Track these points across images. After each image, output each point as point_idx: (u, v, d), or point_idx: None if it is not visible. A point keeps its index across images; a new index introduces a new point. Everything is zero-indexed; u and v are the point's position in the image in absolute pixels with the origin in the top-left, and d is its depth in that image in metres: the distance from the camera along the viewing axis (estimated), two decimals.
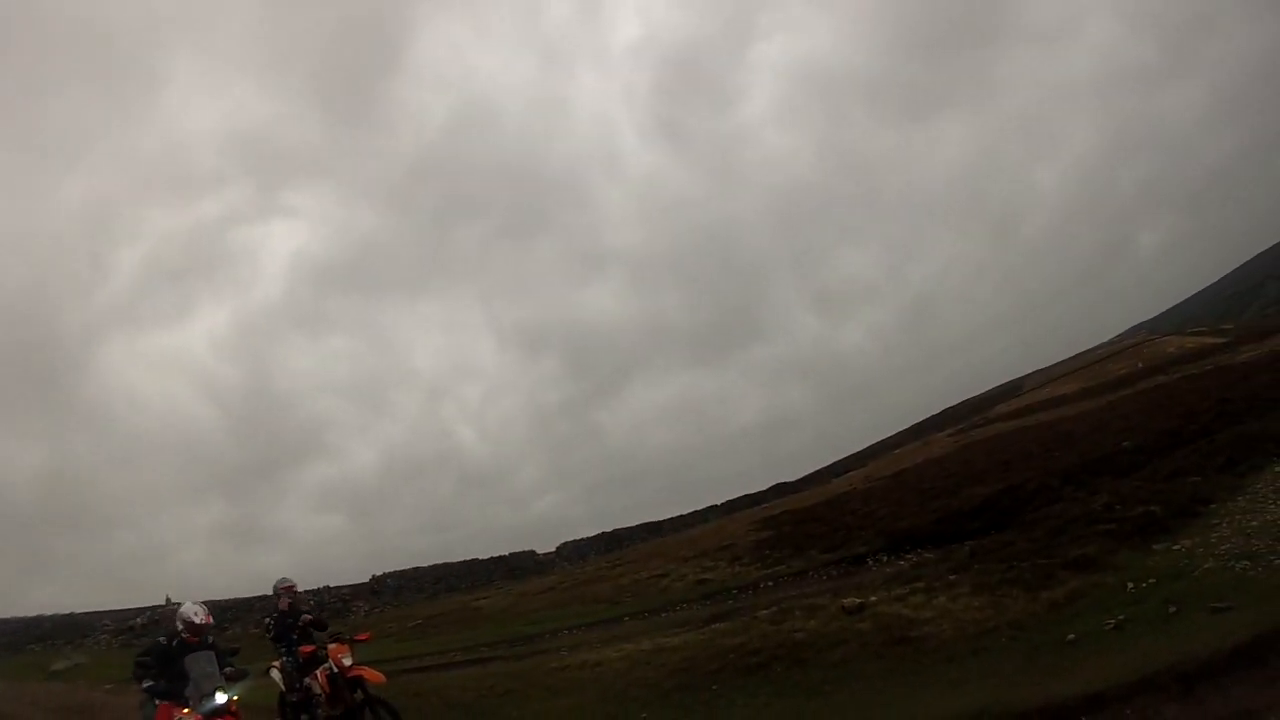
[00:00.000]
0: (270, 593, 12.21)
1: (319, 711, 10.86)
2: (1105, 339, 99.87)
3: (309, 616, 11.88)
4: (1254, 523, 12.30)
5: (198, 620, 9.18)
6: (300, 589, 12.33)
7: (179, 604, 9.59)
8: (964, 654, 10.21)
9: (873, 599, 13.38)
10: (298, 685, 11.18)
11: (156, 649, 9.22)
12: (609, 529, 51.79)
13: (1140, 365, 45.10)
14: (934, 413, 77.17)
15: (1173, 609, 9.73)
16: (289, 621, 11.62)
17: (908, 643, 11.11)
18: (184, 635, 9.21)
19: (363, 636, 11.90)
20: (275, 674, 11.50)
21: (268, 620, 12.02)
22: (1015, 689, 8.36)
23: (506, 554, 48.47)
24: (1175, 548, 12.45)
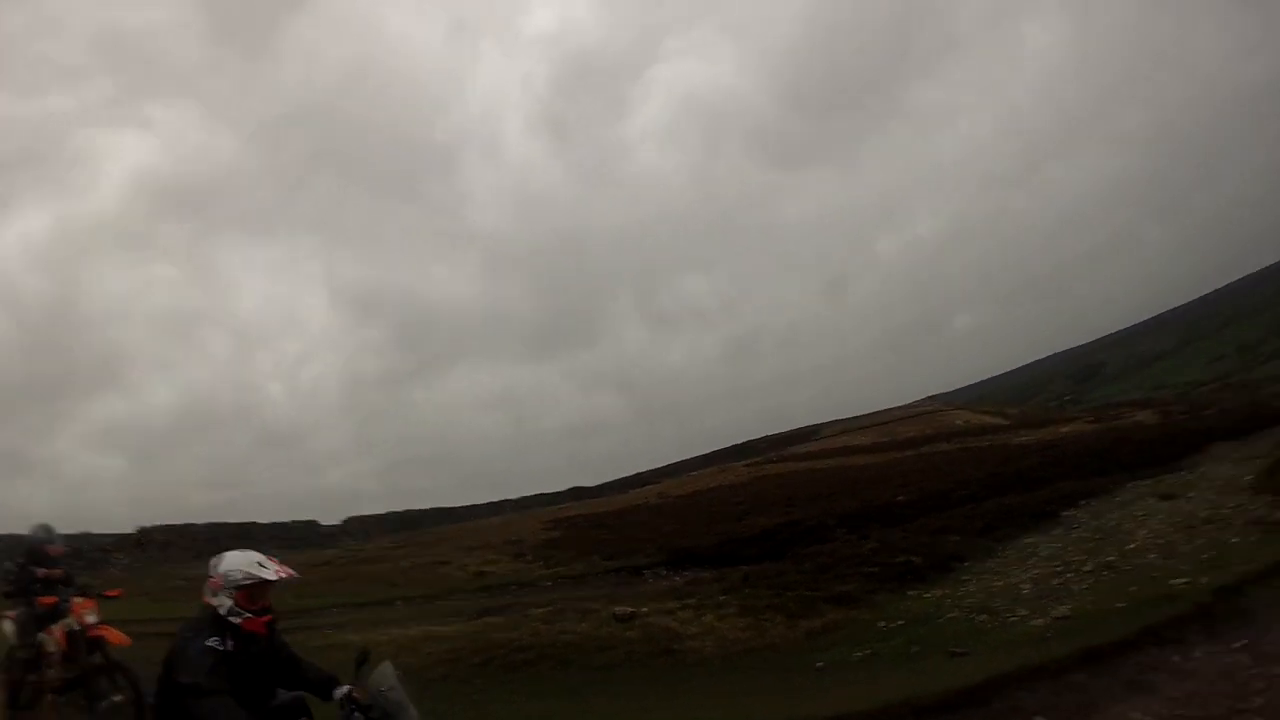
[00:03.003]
0: (26, 533, 10.78)
1: (50, 672, 9.59)
2: (903, 402, 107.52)
3: (55, 571, 10.46)
4: (998, 583, 13.49)
5: None
6: (58, 533, 10.91)
7: None
8: (722, 670, 10.53)
9: (644, 609, 13.56)
10: (31, 640, 9.92)
11: None
12: (401, 509, 50.47)
13: (929, 431, 48.79)
14: (735, 442, 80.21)
15: (915, 649, 10.47)
16: (30, 572, 10.28)
17: (671, 654, 11.33)
18: None
19: (114, 593, 10.75)
20: (8, 625, 10.17)
21: (9, 566, 10.61)
22: (765, 707, 8.63)
23: (289, 521, 46.00)
24: (927, 596, 13.48)
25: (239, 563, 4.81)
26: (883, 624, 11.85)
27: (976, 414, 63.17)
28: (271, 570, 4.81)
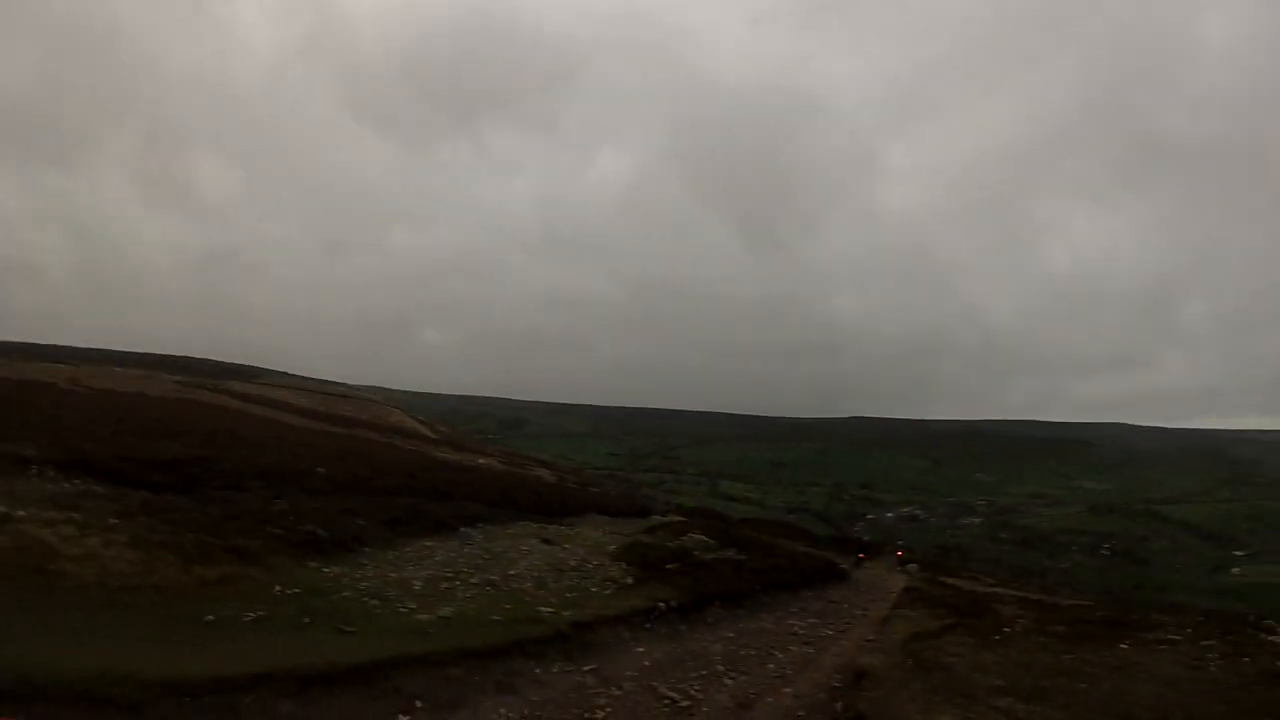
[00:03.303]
0: None
1: None
2: (352, 382, 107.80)
3: None
4: (394, 575, 14.30)
5: None
6: None
7: None
8: (100, 605, 9.39)
9: (19, 513, 11.42)
10: None
11: None
12: None
13: (365, 417, 49.57)
14: (173, 353, 73.25)
15: (307, 620, 10.60)
16: None
17: (44, 574, 9.75)
18: None
19: None
20: None
21: None
22: (144, 656, 7.91)
23: None
24: (326, 570, 13.69)
25: None
26: (279, 589, 11.75)
27: (411, 419, 65.79)
28: None
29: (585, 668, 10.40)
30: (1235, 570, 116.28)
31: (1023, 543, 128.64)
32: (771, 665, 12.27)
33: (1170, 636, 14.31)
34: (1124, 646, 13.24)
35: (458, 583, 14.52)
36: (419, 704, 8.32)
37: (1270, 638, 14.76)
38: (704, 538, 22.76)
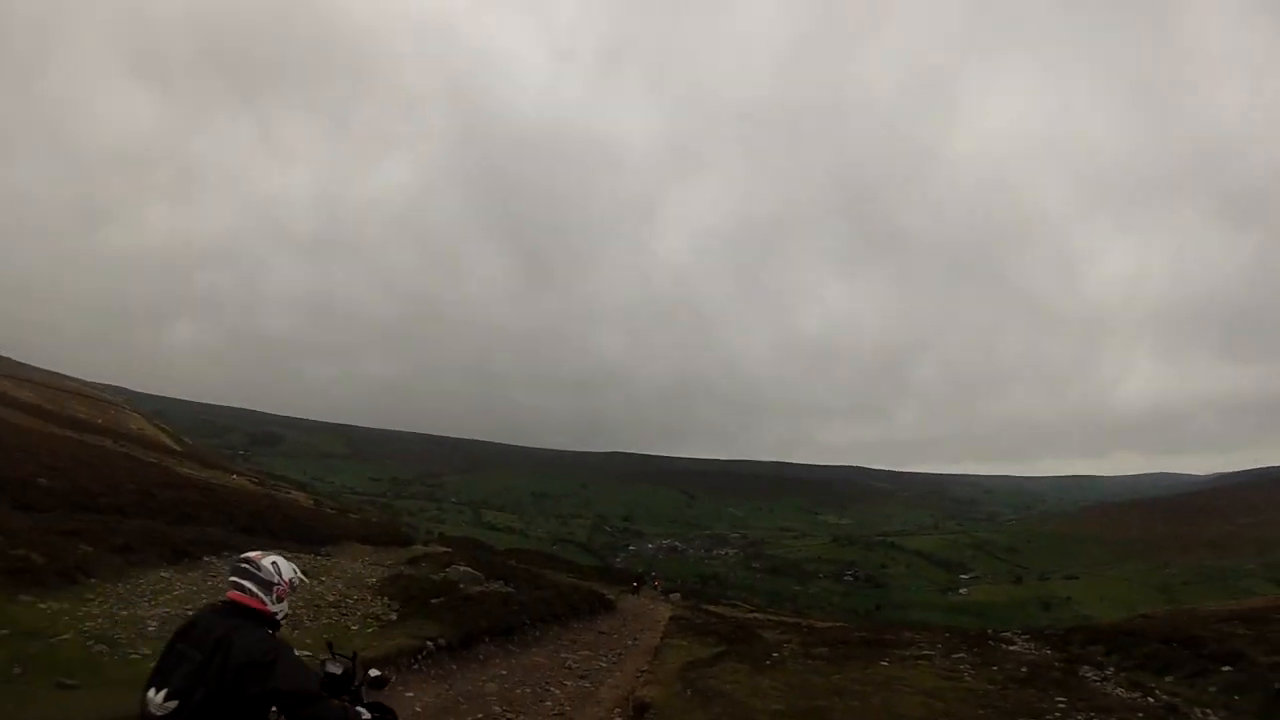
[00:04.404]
0: None
1: None
2: (89, 379, 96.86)
3: None
4: (125, 612, 12.86)
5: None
6: None
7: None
8: None
9: None
10: None
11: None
12: None
13: (101, 421, 44.50)
14: None
15: (18, 670, 9.32)
16: None
17: None
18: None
19: None
20: None
21: None
22: None
23: None
24: (42, 606, 12.12)
25: (290, 568, 4.42)
26: None
27: (154, 426, 59.60)
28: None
29: None
30: (963, 591, 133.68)
31: (774, 571, 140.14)
32: (549, 702, 12.24)
33: (925, 652, 15.84)
34: (885, 664, 14.49)
35: None
36: None
37: (1011, 648, 16.78)
38: (470, 569, 22.35)
